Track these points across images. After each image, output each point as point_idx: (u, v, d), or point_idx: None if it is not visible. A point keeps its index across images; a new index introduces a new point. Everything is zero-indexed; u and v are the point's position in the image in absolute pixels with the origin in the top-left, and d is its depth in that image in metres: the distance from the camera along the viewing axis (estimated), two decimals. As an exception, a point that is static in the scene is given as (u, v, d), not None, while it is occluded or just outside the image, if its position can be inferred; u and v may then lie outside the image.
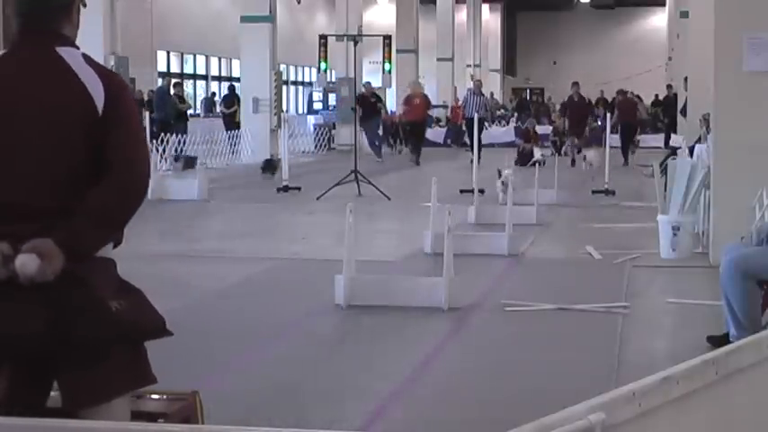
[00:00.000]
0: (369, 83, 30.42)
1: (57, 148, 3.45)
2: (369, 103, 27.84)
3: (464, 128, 31.65)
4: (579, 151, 25.85)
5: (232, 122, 28.51)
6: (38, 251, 3.31)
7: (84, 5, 3.69)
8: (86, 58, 3.58)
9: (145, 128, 20.10)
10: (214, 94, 39.40)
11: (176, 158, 22.56)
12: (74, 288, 3.35)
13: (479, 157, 25.61)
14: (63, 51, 3.53)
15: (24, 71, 3.53)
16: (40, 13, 3.54)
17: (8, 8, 3.62)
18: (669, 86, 34.80)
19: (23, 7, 3.55)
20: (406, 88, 32.16)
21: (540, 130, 32.10)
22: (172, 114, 25.69)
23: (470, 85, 44.59)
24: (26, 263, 3.29)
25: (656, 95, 39.71)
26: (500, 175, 15.82)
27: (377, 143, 29.03)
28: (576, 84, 27.34)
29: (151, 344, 3.55)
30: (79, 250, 3.37)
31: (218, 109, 37.41)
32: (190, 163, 22.35)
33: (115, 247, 3.60)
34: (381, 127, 29.80)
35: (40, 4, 3.55)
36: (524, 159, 25.07)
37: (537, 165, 19.31)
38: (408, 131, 30.02)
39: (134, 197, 3.50)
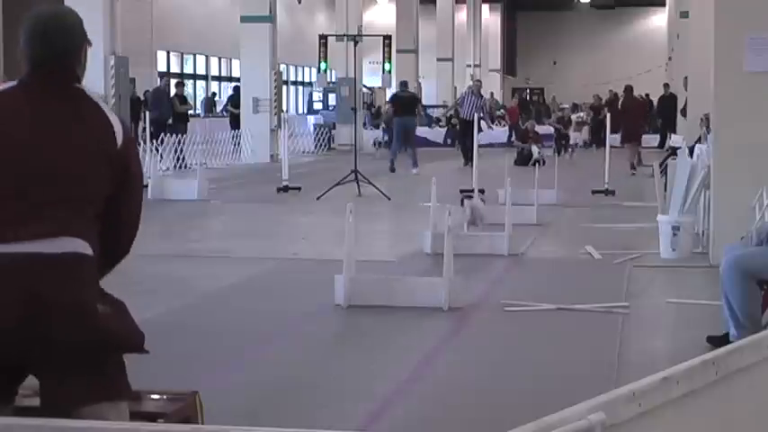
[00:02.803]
0: (405, 82, 28.47)
1: (85, 178, 3.49)
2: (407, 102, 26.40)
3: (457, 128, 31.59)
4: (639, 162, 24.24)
5: (238, 122, 28.55)
6: None
7: (90, 45, 3.71)
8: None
9: (145, 128, 20.16)
10: (214, 94, 39.41)
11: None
12: (54, 285, 3.31)
13: (471, 159, 25.69)
14: (77, 88, 3.59)
15: (43, 104, 3.53)
16: (55, 54, 3.56)
17: (22, 54, 3.64)
18: (666, 85, 34.65)
19: (38, 48, 3.56)
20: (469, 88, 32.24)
21: (540, 130, 32.13)
22: (168, 114, 25.67)
23: (470, 83, 44.61)
24: None
25: (647, 95, 39.30)
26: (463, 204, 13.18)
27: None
28: (629, 88, 26.26)
29: (151, 344, 3.55)
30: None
31: (219, 108, 37.49)
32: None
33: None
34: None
35: (57, 48, 3.56)
36: (524, 159, 25.05)
37: (537, 164, 19.28)
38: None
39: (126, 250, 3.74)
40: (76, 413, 3.30)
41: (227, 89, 40.53)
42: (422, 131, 35.75)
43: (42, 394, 3.39)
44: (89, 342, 3.32)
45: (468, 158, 24.55)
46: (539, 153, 24.79)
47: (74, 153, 3.48)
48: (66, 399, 3.32)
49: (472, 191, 15.07)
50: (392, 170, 23.96)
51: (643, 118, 27.71)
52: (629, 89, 26.87)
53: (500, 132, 36.02)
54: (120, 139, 3.54)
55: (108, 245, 3.55)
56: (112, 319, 3.39)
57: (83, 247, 3.41)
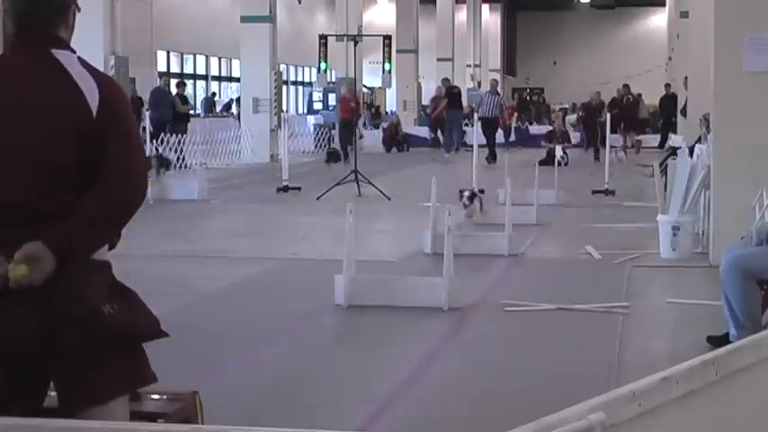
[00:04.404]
0: (447, 78, 33.86)
1: (49, 149, 3.41)
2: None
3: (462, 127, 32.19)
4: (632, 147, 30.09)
5: None
6: (28, 255, 3.27)
7: (79, 10, 3.66)
8: (83, 61, 3.55)
9: (145, 128, 20.16)
10: (214, 93, 39.40)
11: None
12: (64, 295, 3.32)
13: (495, 156, 26.05)
14: (59, 54, 3.51)
15: (19, 73, 3.51)
16: (36, 13, 3.52)
17: (5, 13, 3.59)
18: (668, 85, 34.68)
19: (20, 5, 3.52)
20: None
21: (538, 130, 32.06)
22: (168, 114, 25.66)
23: (470, 83, 44.72)
24: (16, 270, 3.28)
25: (639, 94, 39.18)
26: (461, 198, 14.18)
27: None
28: (626, 86, 32.15)
29: (151, 344, 3.55)
30: (71, 253, 3.34)
31: (218, 108, 37.47)
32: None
33: (110, 249, 3.58)
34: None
35: (37, 3, 3.52)
36: (551, 159, 24.77)
37: (558, 164, 19.16)
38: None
39: (131, 207, 3.49)
40: (90, 412, 3.32)
41: (227, 89, 40.54)
42: (423, 131, 35.79)
43: (58, 397, 3.41)
44: (98, 344, 3.33)
45: (493, 156, 25.60)
46: (561, 155, 24.61)
47: (29, 128, 3.42)
48: (79, 401, 3.35)
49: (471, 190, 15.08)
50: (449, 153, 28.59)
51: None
52: (628, 87, 32.15)
53: (500, 132, 35.98)
54: (95, 107, 3.43)
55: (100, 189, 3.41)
56: (121, 315, 3.38)
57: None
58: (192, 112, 29.44)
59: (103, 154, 3.42)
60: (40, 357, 3.36)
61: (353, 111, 27.76)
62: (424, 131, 35.88)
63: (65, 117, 3.43)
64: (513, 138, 35.70)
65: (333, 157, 27.32)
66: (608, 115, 21.00)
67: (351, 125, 26.87)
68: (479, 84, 48.98)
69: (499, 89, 30.41)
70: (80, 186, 3.43)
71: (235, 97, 35.37)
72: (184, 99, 27.26)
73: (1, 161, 3.43)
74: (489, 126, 26.86)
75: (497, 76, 55.02)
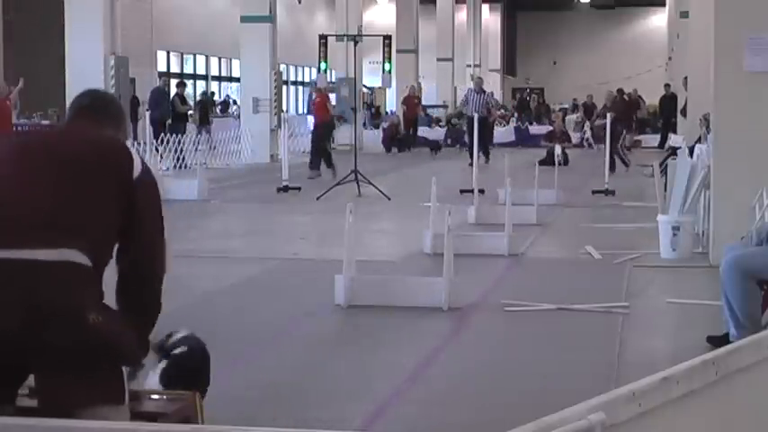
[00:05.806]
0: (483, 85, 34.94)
1: (95, 202, 3.65)
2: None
3: (464, 127, 32.18)
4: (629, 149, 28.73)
5: None
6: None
7: (126, 138, 4.21)
8: None
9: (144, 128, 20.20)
10: (213, 93, 39.40)
11: None
12: (54, 293, 3.39)
13: (488, 157, 25.93)
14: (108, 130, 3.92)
15: (75, 134, 3.88)
16: (94, 107, 3.95)
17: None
18: (667, 85, 34.69)
19: (85, 100, 3.95)
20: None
21: (538, 130, 32.10)
22: (168, 114, 25.66)
23: (469, 83, 44.61)
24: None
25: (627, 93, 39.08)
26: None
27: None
28: (620, 90, 31.07)
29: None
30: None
31: (215, 109, 37.45)
32: None
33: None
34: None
35: (98, 103, 3.98)
36: (551, 159, 24.76)
37: (559, 164, 19.14)
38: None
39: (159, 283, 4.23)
40: (73, 414, 3.34)
41: (226, 89, 40.53)
42: (422, 131, 35.77)
43: (36, 393, 3.46)
44: (78, 346, 3.38)
45: (486, 156, 25.50)
46: (559, 155, 24.61)
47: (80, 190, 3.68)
48: (54, 398, 3.39)
49: (472, 191, 15.09)
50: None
51: None
52: (622, 91, 31.78)
53: (500, 132, 35.90)
54: (138, 171, 3.77)
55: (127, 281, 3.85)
56: (105, 328, 3.46)
57: (80, 257, 3.49)
58: (190, 112, 29.40)
59: (134, 224, 3.77)
60: (22, 353, 3.40)
61: (328, 111, 23.93)
62: (424, 131, 35.81)
63: (112, 170, 3.73)
64: (507, 140, 35.51)
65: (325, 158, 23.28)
66: (608, 116, 20.98)
67: (330, 128, 24.20)
68: (479, 84, 48.96)
69: (485, 87, 29.92)
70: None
71: (232, 97, 35.29)
72: (183, 99, 27.26)
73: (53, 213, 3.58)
74: (480, 126, 26.62)
75: (497, 76, 55.17)
